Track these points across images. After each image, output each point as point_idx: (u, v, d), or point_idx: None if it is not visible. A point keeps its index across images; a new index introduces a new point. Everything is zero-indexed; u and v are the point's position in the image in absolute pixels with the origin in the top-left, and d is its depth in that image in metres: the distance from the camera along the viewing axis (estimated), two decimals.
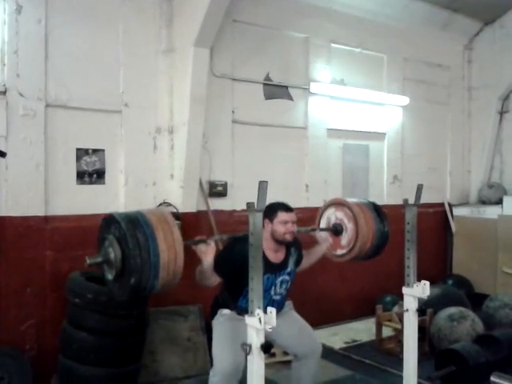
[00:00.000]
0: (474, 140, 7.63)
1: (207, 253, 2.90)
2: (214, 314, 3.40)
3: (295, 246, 3.42)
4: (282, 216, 3.21)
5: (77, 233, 4.37)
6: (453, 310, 4.96)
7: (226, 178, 5.26)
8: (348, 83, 6.27)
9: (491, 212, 6.82)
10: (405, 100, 6.76)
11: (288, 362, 4.70)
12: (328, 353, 5.08)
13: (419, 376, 3.39)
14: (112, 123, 4.63)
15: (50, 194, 4.28)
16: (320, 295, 5.88)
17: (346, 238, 3.52)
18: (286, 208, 3.26)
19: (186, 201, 4.88)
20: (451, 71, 7.45)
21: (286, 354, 4.79)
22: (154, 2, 4.80)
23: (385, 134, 6.72)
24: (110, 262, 2.37)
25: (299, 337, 3.41)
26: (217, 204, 5.19)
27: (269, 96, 5.64)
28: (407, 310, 3.31)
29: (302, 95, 5.91)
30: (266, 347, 2.37)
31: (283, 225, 3.20)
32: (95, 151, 4.55)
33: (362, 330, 5.76)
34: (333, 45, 6.14)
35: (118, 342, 3.93)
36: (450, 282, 6.67)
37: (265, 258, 2.92)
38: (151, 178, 4.80)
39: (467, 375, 4.11)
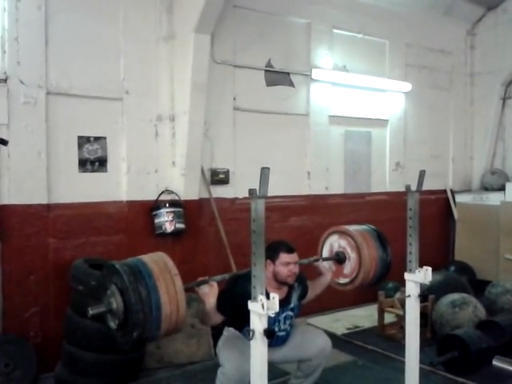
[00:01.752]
0: (476, 126, 7.59)
1: (210, 295, 2.91)
2: (218, 337, 3.47)
3: (299, 280, 3.40)
4: (284, 258, 3.20)
5: (79, 220, 4.40)
6: (455, 296, 4.97)
7: (227, 165, 5.26)
8: (350, 69, 6.24)
9: (494, 198, 6.82)
10: (407, 86, 6.72)
11: None
12: (330, 339, 5.09)
13: (421, 361, 3.40)
14: (113, 111, 4.61)
15: (52, 181, 4.29)
16: None
17: (349, 267, 3.53)
18: (288, 249, 3.25)
19: (188, 188, 4.88)
20: (454, 57, 7.40)
21: None
22: None
23: (387, 120, 6.69)
24: (113, 312, 2.39)
25: (304, 343, 3.43)
26: (219, 191, 5.19)
27: (270, 83, 5.61)
28: (409, 296, 3.31)
29: (304, 82, 5.88)
30: (269, 332, 2.38)
31: (285, 266, 3.20)
32: (97, 139, 4.54)
33: (364, 316, 5.78)
34: (335, 30, 6.09)
35: None
36: (452, 268, 6.68)
37: (267, 296, 2.87)
38: (153, 166, 4.80)
39: (469, 361, 4.13)
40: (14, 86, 4.05)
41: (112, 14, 4.57)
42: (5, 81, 4.03)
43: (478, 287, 5.85)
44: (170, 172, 4.89)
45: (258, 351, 2.41)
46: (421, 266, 3.27)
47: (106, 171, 4.60)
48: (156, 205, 4.71)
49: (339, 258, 3.57)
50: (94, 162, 4.53)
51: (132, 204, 4.67)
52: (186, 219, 4.76)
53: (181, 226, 4.74)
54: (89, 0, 4.46)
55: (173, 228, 4.67)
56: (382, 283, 5.93)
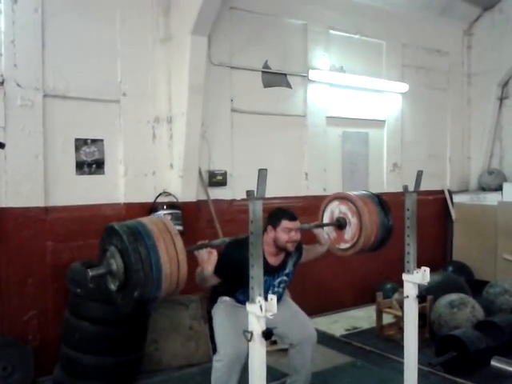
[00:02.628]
0: (473, 126, 7.60)
1: (209, 262, 2.88)
2: (213, 302, 3.45)
3: (297, 248, 3.42)
4: (285, 224, 3.23)
5: (77, 223, 4.39)
6: (453, 296, 4.97)
7: (225, 167, 5.26)
8: (347, 70, 6.24)
9: (491, 199, 6.82)
10: (404, 87, 6.73)
11: None
12: (329, 340, 5.12)
13: (420, 362, 3.40)
14: (110, 113, 4.61)
15: (50, 184, 4.28)
16: (320, 283, 5.90)
17: (349, 233, 3.51)
18: (290, 217, 3.28)
19: (186, 190, 4.88)
20: (450, 57, 7.41)
21: None
22: None
23: (384, 121, 6.70)
24: (113, 274, 2.38)
25: (292, 323, 3.43)
26: (216, 193, 5.19)
27: (267, 84, 5.61)
28: (407, 297, 3.31)
29: (301, 83, 5.89)
30: (267, 334, 2.37)
31: (286, 233, 3.23)
32: (94, 141, 4.54)
33: (362, 318, 5.78)
34: (331, 31, 6.10)
35: (120, 331, 3.95)
36: (450, 268, 6.69)
37: (263, 260, 2.87)
38: (151, 168, 4.80)
39: (468, 361, 4.14)
40: (10, 89, 4.05)
41: (109, 16, 4.57)
42: (1, 83, 4.02)
43: (476, 287, 5.85)
44: (168, 174, 4.88)
45: (257, 353, 2.40)
46: (419, 266, 3.27)
47: (103, 173, 4.59)
48: (154, 207, 4.71)
49: (340, 224, 3.54)
50: (91, 164, 4.52)
51: (130, 206, 4.67)
52: (183, 221, 4.75)
53: (179, 227, 4.73)
54: (86, 2, 4.45)
55: None
56: (378, 284, 5.97)
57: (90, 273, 2.39)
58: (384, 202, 3.53)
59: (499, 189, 6.84)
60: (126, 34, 4.64)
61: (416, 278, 3.24)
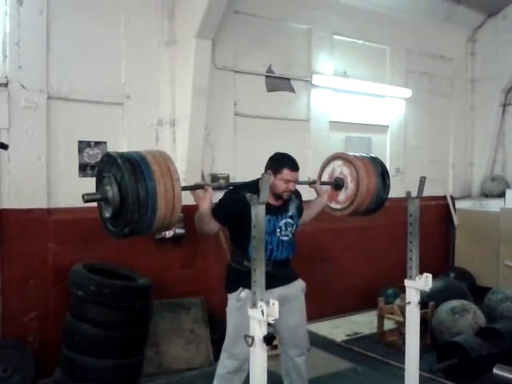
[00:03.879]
0: (476, 133, 7.59)
1: (205, 198, 2.87)
2: (230, 285, 3.25)
3: (295, 193, 3.36)
4: (286, 174, 3.15)
5: (79, 225, 4.38)
6: (455, 302, 4.96)
7: (228, 170, 5.25)
8: (350, 75, 6.25)
9: (494, 205, 6.81)
10: (407, 92, 6.73)
11: None
12: (330, 345, 5.10)
13: (421, 368, 3.39)
14: (114, 115, 4.62)
15: (53, 186, 4.29)
16: (321, 288, 5.88)
17: (344, 195, 3.55)
18: (293, 166, 3.19)
19: (188, 193, 4.86)
20: (454, 63, 7.41)
21: None
22: None
23: (387, 126, 6.69)
24: (108, 201, 2.38)
25: (294, 332, 3.35)
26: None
27: (271, 88, 5.62)
28: (409, 303, 3.30)
29: (305, 87, 5.89)
30: (269, 339, 2.37)
31: (285, 183, 3.15)
32: (97, 143, 4.55)
33: (363, 323, 5.77)
34: (335, 36, 6.11)
35: (121, 333, 3.95)
36: (452, 274, 6.67)
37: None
38: None
39: (469, 368, 4.12)
40: (14, 91, 4.06)
41: (113, 18, 4.58)
42: (6, 85, 4.03)
43: (478, 294, 5.84)
44: None
45: (258, 357, 2.39)
46: (421, 272, 3.26)
47: None
48: None
49: (337, 184, 3.58)
50: (94, 166, 4.51)
51: None
52: (185, 224, 4.74)
53: (181, 231, 4.74)
54: (90, 5, 4.47)
55: (172, 233, 4.67)
56: (380, 290, 5.95)
57: (86, 197, 2.40)
58: (386, 173, 3.56)
59: (502, 195, 6.83)
60: (131, 36, 4.65)
61: (418, 284, 3.23)
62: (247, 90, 5.41)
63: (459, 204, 7.22)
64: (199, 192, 2.88)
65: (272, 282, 2.86)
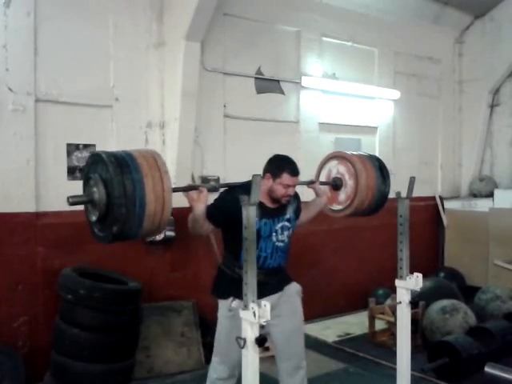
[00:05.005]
0: (464, 133, 7.65)
1: (199, 200, 2.77)
2: (219, 291, 3.16)
3: (293, 196, 3.22)
4: (286, 180, 3.02)
5: (68, 229, 4.34)
6: (445, 302, 4.98)
7: (218, 172, 5.24)
8: (339, 77, 6.27)
9: (482, 205, 6.86)
10: (396, 94, 6.77)
11: None
12: (321, 346, 5.11)
13: (412, 368, 3.40)
14: (103, 118, 4.59)
15: (41, 189, 4.25)
16: (312, 289, 5.86)
17: (344, 194, 3.44)
18: (293, 171, 3.06)
19: (179, 196, 4.84)
20: (442, 64, 7.47)
21: None
22: None
23: (376, 127, 6.72)
24: (94, 203, 2.28)
25: (288, 339, 3.17)
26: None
27: (260, 90, 5.62)
28: (400, 303, 3.31)
29: (294, 89, 5.90)
30: (261, 340, 2.36)
31: (284, 188, 3.02)
32: (86, 146, 4.52)
33: (354, 324, 5.78)
34: (324, 38, 6.13)
35: (111, 337, 3.92)
36: (442, 274, 6.71)
37: (260, 204, 2.80)
38: None
39: (460, 367, 4.15)
40: (2, 94, 4.02)
41: (102, 21, 4.56)
42: None
43: (468, 293, 5.88)
44: None
45: (250, 360, 2.39)
46: (411, 272, 3.27)
47: None
48: None
49: (336, 184, 3.47)
50: (83, 169, 4.48)
51: None
52: (176, 226, 4.73)
53: (171, 233, 4.72)
54: (78, 7, 4.44)
55: (163, 236, 4.65)
56: (371, 290, 5.97)
57: (71, 200, 2.30)
58: (384, 167, 3.44)
59: (490, 195, 6.88)
60: (119, 38, 4.63)
61: (409, 284, 3.24)
62: (237, 92, 5.40)
63: (448, 204, 7.26)
64: (193, 193, 2.78)
65: (264, 290, 2.82)
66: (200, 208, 2.78)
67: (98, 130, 4.58)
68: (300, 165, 5.91)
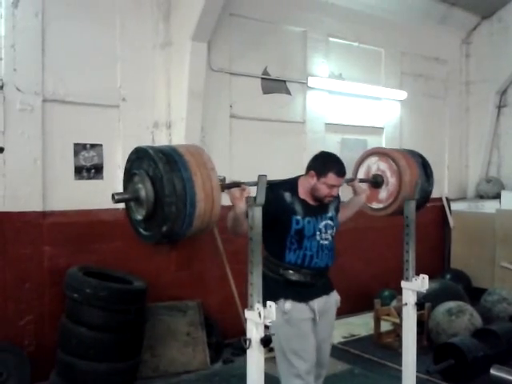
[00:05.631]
0: (471, 134, 7.63)
1: (241, 199, 2.59)
2: (266, 295, 2.67)
3: None
4: (331, 179, 2.85)
5: (75, 228, 4.37)
6: (451, 304, 4.96)
7: (224, 172, 5.11)
8: (346, 77, 6.26)
9: (489, 206, 6.83)
10: (402, 94, 6.75)
11: None
12: None
13: (418, 370, 3.39)
14: (110, 118, 4.61)
15: (48, 189, 4.27)
16: None
17: (385, 192, 3.30)
18: (340, 172, 2.89)
19: None
20: (449, 65, 7.44)
21: None
22: None
23: (383, 128, 6.71)
24: (140, 201, 2.17)
25: (320, 347, 3.03)
26: None
27: (267, 90, 5.62)
28: (406, 304, 3.30)
29: (300, 90, 5.89)
30: (266, 341, 2.36)
31: (328, 188, 2.86)
32: (93, 146, 4.53)
33: (360, 325, 5.76)
34: (330, 39, 6.12)
35: (117, 337, 3.94)
36: (448, 276, 6.68)
37: (303, 201, 2.77)
38: None
39: (466, 369, 4.13)
40: (10, 93, 4.04)
41: (109, 21, 4.57)
42: (1, 88, 4.01)
43: (474, 295, 5.85)
44: None
45: (255, 360, 2.39)
46: (417, 273, 3.26)
47: (102, 178, 4.58)
48: None
49: (376, 182, 3.31)
50: (90, 169, 4.51)
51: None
52: None
53: None
54: (86, 7, 4.46)
55: None
56: (376, 292, 5.95)
57: (116, 197, 2.19)
58: (428, 164, 3.31)
59: (497, 197, 6.86)
60: (126, 39, 4.64)
61: (415, 286, 3.23)
62: (243, 92, 5.41)
63: (455, 206, 7.23)
64: (235, 191, 2.63)
65: (312, 292, 2.78)
66: (242, 206, 2.60)
67: (104, 129, 4.59)
68: (306, 165, 5.91)
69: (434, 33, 7.11)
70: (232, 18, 5.25)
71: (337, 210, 3.11)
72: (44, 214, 4.23)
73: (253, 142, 5.50)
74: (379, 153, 3.41)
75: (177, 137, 4.81)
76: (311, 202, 2.94)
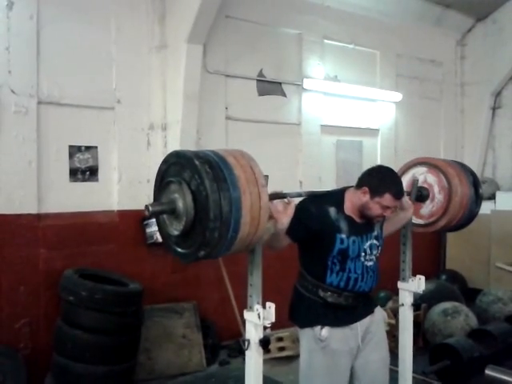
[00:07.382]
0: (466, 136, 7.65)
1: (285, 214, 2.33)
2: (300, 318, 2.73)
3: None
4: (387, 201, 2.57)
5: (70, 230, 4.36)
6: (447, 304, 4.98)
7: None
8: (341, 79, 6.27)
9: (484, 207, 6.71)
10: (398, 96, 6.77)
11: (283, 358, 4.72)
12: None
13: (414, 371, 3.38)
14: (105, 120, 4.60)
15: (43, 191, 4.26)
16: None
17: (429, 208, 3.02)
18: (397, 194, 2.60)
19: None
20: (444, 67, 7.47)
21: (281, 350, 4.80)
22: None
23: (378, 130, 6.72)
24: (176, 214, 1.95)
25: (375, 372, 2.78)
26: None
27: (262, 92, 5.62)
28: (403, 305, 3.31)
29: (296, 91, 5.90)
30: (265, 342, 2.35)
31: (382, 208, 2.59)
32: (88, 148, 4.52)
33: None
34: (326, 41, 6.13)
35: (112, 339, 3.92)
36: (444, 277, 6.70)
37: (348, 218, 2.57)
38: (145, 175, 4.77)
39: (461, 369, 4.14)
40: (4, 96, 4.03)
41: (104, 23, 4.57)
42: None
43: (470, 296, 5.87)
44: None
45: (254, 362, 2.38)
46: (412, 274, 3.27)
47: (97, 181, 4.57)
48: (147, 215, 4.68)
49: (421, 195, 3.01)
50: (85, 171, 4.50)
51: (123, 214, 4.65)
52: None
53: None
54: (81, 9, 4.45)
55: None
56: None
57: (151, 208, 1.98)
58: (479, 184, 3.03)
59: (492, 198, 6.88)
60: (121, 41, 4.64)
61: (411, 286, 3.24)
62: (238, 94, 5.41)
63: None
64: (278, 205, 2.35)
65: (354, 315, 2.65)
66: (285, 222, 2.34)
67: (100, 132, 4.59)
68: (301, 167, 5.94)
69: (429, 35, 7.14)
70: (227, 20, 5.26)
71: (381, 228, 2.84)
72: (39, 217, 4.22)
73: (248, 143, 5.46)
74: (430, 164, 3.09)
75: (172, 139, 4.81)
76: (357, 220, 2.67)
